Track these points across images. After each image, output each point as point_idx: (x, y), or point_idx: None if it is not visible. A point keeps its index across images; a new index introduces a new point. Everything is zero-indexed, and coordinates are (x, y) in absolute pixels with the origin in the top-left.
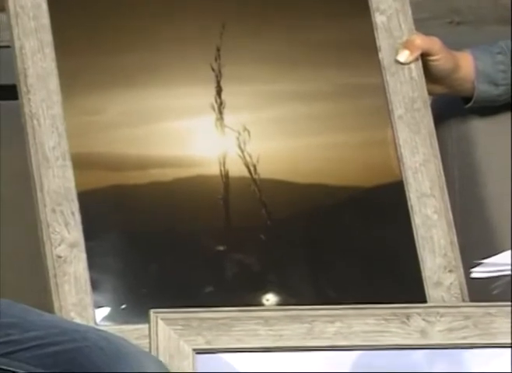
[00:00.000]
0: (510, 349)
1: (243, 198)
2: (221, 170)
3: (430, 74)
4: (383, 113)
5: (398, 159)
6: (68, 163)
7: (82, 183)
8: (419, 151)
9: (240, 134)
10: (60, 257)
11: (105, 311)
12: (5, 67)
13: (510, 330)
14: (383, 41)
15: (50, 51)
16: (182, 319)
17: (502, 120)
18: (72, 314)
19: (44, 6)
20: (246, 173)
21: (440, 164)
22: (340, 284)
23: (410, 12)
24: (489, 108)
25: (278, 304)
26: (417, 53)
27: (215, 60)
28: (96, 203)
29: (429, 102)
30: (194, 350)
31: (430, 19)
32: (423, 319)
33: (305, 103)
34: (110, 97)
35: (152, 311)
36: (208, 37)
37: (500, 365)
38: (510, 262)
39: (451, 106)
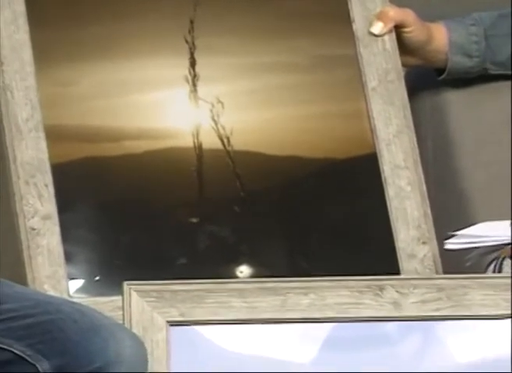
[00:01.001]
0: (483, 320)
1: (217, 170)
2: (194, 142)
3: (404, 46)
4: (356, 84)
5: (372, 131)
6: (42, 135)
7: (55, 155)
8: (393, 123)
9: (213, 106)
10: (33, 229)
11: (78, 283)
12: None
13: (482, 302)
14: (356, 12)
15: (23, 22)
16: (156, 291)
17: (475, 92)
18: (46, 286)
19: None
20: (219, 145)
21: (414, 136)
22: (314, 255)
23: None
24: (463, 80)
25: (252, 276)
26: (390, 24)
27: (189, 32)
28: (70, 175)
29: (402, 74)
30: (167, 322)
31: None
32: (397, 291)
33: (279, 75)
34: (84, 69)
35: (125, 283)
36: (182, 9)
37: (474, 337)
38: (483, 233)
39: (425, 78)
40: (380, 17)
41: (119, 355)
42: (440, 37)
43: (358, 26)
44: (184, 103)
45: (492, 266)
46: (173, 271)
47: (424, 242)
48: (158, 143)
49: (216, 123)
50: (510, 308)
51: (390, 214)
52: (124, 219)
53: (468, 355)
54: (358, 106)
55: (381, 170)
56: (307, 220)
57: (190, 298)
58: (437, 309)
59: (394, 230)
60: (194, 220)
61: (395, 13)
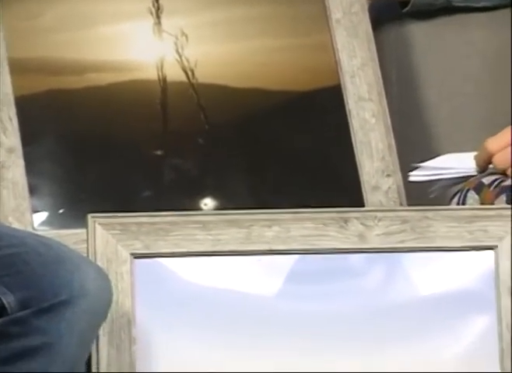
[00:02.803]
0: (447, 252)
1: (181, 103)
2: (158, 75)
3: None
4: (321, 17)
5: (336, 63)
6: (6, 68)
7: (19, 88)
8: (357, 55)
9: (177, 38)
10: None
11: (43, 216)
12: None
13: (447, 234)
14: None
15: None
16: (120, 224)
17: (440, 24)
18: (10, 219)
19: None
20: (183, 78)
21: (378, 68)
22: (278, 188)
23: None
24: (427, 12)
25: (216, 208)
26: None
27: None
28: (34, 108)
29: (366, 6)
30: (132, 254)
31: None
32: (361, 223)
33: (243, 7)
34: (48, 1)
35: (89, 216)
36: None
37: (438, 269)
38: (447, 165)
39: (389, 10)
40: None
41: (84, 288)
42: None
43: None
44: (148, 36)
45: (456, 198)
46: (137, 204)
47: (388, 175)
48: (122, 75)
49: (180, 56)
50: (473, 239)
51: (354, 146)
52: (89, 152)
53: (432, 287)
54: (322, 38)
55: (345, 102)
56: (271, 152)
57: (154, 230)
58: (402, 241)
59: (358, 162)
60: (159, 152)
61: None
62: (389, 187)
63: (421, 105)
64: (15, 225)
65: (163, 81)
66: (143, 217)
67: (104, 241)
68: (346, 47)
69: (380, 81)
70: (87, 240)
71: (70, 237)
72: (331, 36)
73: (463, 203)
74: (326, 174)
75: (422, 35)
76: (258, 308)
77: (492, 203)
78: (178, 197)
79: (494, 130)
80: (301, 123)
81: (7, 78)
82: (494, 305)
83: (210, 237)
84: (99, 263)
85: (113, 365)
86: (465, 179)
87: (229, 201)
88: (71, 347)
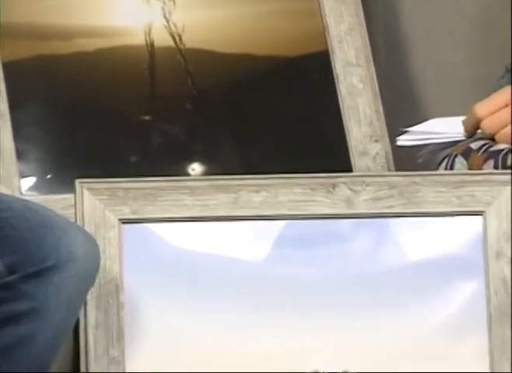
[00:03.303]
0: (435, 218)
1: (169, 68)
2: (146, 40)
3: None
4: None
5: (324, 28)
6: None
7: (7, 53)
8: (345, 21)
9: (165, 3)
10: None
11: (30, 181)
12: None
13: (434, 200)
14: None
15: None
16: (108, 189)
17: None
18: None
19: None
20: (171, 43)
21: (366, 33)
22: (266, 153)
23: None
24: None
25: (204, 174)
26: None
27: None
28: (22, 74)
29: None
30: (119, 219)
31: None
32: (349, 189)
33: None
34: None
35: (77, 181)
36: None
37: (425, 234)
38: (435, 130)
39: None
40: None
41: (71, 253)
42: None
43: None
44: (135, 1)
45: (444, 163)
46: (125, 169)
47: (376, 140)
48: (110, 41)
49: (168, 21)
50: (461, 205)
51: (342, 111)
52: (77, 117)
53: (420, 252)
54: (310, 3)
55: (333, 68)
56: (259, 118)
57: (142, 195)
58: (389, 206)
59: (346, 128)
60: (147, 118)
61: None
62: (377, 152)
63: (409, 70)
64: (3, 190)
65: (151, 46)
66: (131, 183)
67: (92, 206)
68: (334, 12)
69: (368, 46)
70: (75, 205)
71: (58, 202)
72: (318, 1)
73: (451, 169)
74: (314, 139)
75: (411, 0)
76: (246, 273)
77: (480, 169)
78: (166, 163)
79: (482, 95)
80: (289, 88)
81: None
82: (482, 270)
83: (198, 202)
84: (86, 229)
85: (100, 330)
86: (453, 144)
87: (217, 167)
88: (58, 312)
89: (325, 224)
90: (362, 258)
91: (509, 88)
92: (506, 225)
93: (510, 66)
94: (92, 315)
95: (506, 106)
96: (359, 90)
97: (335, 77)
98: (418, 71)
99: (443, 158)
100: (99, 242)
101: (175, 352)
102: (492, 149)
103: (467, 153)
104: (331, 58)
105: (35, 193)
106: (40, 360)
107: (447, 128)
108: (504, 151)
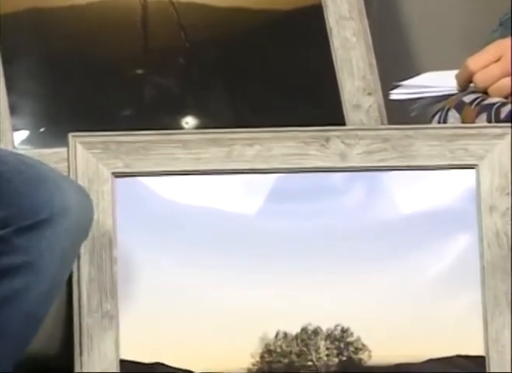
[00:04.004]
0: (428, 171)
1: (162, 21)
2: None
3: None
4: None
5: None
6: None
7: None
8: None
9: None
10: None
11: (24, 134)
12: None
13: (428, 153)
14: None
15: None
16: (101, 143)
17: None
18: None
19: None
20: None
21: None
22: (259, 107)
23: None
24: None
25: (198, 127)
26: None
27: None
28: (15, 27)
29: None
30: (112, 173)
31: None
32: (342, 142)
33: None
34: None
35: (70, 135)
36: None
37: (419, 188)
38: (428, 83)
39: None
40: None
41: (65, 207)
42: None
43: None
44: None
45: (437, 116)
46: (118, 123)
47: (369, 93)
48: None
49: None
50: (454, 158)
51: (335, 65)
52: (70, 70)
53: (413, 206)
54: None
55: (326, 21)
56: (253, 71)
57: (135, 149)
58: (383, 160)
59: (339, 81)
60: (140, 71)
61: None
62: (370, 106)
63: (402, 24)
64: None
65: None
66: (124, 136)
67: (85, 160)
68: None
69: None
70: (68, 159)
71: (51, 156)
72: None
73: (444, 122)
74: (307, 93)
75: None
76: (239, 227)
77: (473, 122)
78: (159, 116)
79: (475, 49)
80: (282, 42)
81: None
82: (475, 223)
83: (191, 156)
84: (80, 183)
85: (94, 285)
86: (446, 97)
87: (211, 120)
88: (52, 266)
89: (318, 177)
90: (355, 212)
91: (501, 41)
92: (499, 179)
93: (502, 19)
94: (85, 270)
95: (499, 59)
96: (353, 44)
97: (328, 31)
98: (411, 24)
99: (436, 112)
100: (93, 196)
101: (168, 306)
102: (485, 103)
103: (460, 107)
104: (325, 12)
105: (28, 147)
106: (34, 313)
107: (440, 82)
108: (497, 105)
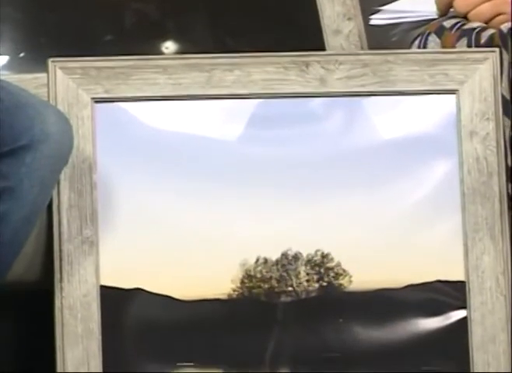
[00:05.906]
0: (407, 96)
1: None
2: None
3: None
4: None
5: None
6: None
7: None
8: None
9: None
10: None
11: (3, 60)
12: None
13: (408, 78)
14: None
15: None
16: (81, 68)
17: None
18: None
19: None
20: None
21: None
22: (239, 32)
23: None
24: None
25: (178, 52)
26: None
27: None
28: None
29: None
30: (92, 99)
31: None
32: (322, 67)
33: None
34: None
35: (50, 60)
36: None
37: (398, 113)
38: (408, 9)
39: None
40: None
41: (45, 132)
42: None
43: None
44: None
45: (417, 41)
46: (98, 48)
47: (349, 18)
48: None
49: None
50: (435, 83)
51: None
52: None
53: (394, 131)
54: None
55: None
56: None
57: (115, 74)
58: (363, 85)
59: (319, 6)
60: None
61: None
62: (350, 31)
63: None
64: None
65: None
66: (104, 62)
67: (65, 85)
68: None
69: None
70: (48, 85)
71: (31, 82)
72: None
73: (424, 47)
74: (287, 18)
75: None
76: (218, 153)
77: (454, 47)
78: (139, 41)
79: None
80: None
81: None
82: (455, 149)
83: (171, 81)
84: (60, 108)
85: (74, 211)
86: (426, 22)
87: (191, 45)
88: (31, 192)
89: (298, 103)
90: (335, 137)
91: None
92: (479, 104)
93: None
94: (65, 196)
95: None
96: None
97: None
98: None
99: (416, 37)
100: (73, 121)
101: (148, 232)
102: (465, 27)
103: (440, 31)
104: None
105: (8, 72)
106: (14, 238)
107: (420, 7)
108: (477, 29)
